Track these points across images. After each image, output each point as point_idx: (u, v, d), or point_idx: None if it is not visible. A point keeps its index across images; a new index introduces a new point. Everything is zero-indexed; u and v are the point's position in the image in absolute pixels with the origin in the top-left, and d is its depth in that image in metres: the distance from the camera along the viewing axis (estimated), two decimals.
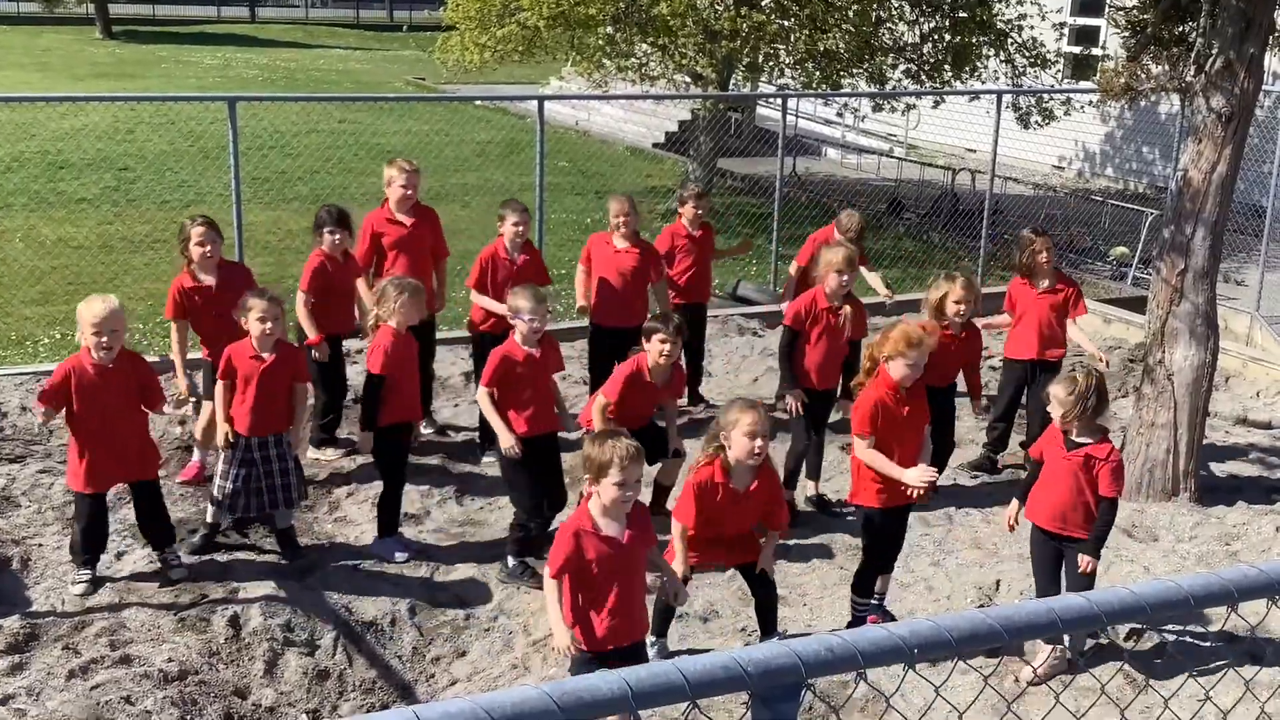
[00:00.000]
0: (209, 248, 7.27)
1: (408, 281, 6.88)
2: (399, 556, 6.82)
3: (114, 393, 6.14)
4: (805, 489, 7.68)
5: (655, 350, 6.72)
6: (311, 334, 7.80)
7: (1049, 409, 5.87)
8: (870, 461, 5.86)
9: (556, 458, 6.88)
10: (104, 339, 6.02)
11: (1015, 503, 6.10)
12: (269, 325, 6.52)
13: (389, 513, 6.93)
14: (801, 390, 7.30)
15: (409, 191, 8.16)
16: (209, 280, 7.33)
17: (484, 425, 8.20)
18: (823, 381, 7.41)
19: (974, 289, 7.48)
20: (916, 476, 5.70)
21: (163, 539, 6.56)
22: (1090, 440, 5.74)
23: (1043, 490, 5.88)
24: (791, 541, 6.99)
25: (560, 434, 6.88)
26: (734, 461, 5.48)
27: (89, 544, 6.35)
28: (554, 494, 6.81)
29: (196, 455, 7.75)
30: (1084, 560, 5.70)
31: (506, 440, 6.44)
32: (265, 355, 6.58)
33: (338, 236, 7.80)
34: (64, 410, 6.16)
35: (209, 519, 6.84)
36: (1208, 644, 5.93)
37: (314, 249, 7.90)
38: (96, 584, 6.35)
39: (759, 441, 5.39)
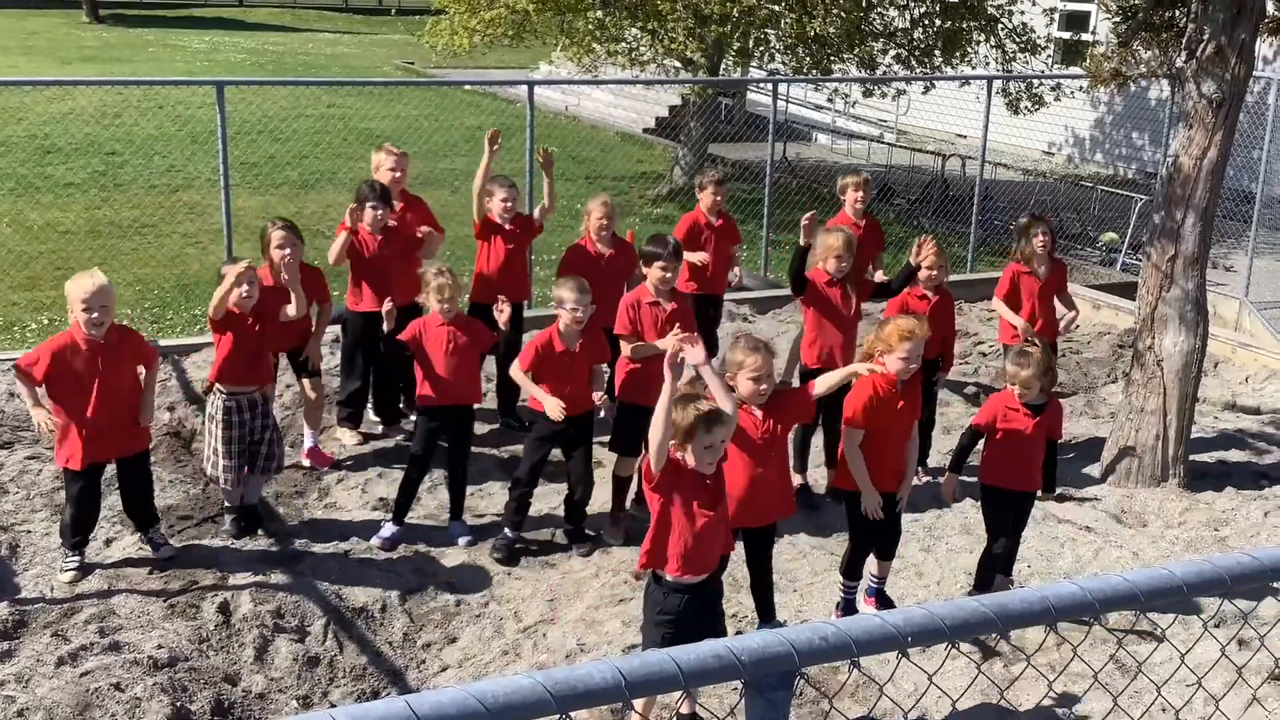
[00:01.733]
0: (289, 251, 7.27)
1: (443, 271, 6.82)
2: (375, 540, 6.85)
3: (107, 367, 6.11)
4: (824, 477, 7.74)
5: (655, 276, 6.92)
6: (348, 222, 7.75)
7: (1011, 386, 6.15)
8: (851, 461, 5.93)
9: (585, 444, 6.86)
10: (94, 315, 6.01)
11: (952, 476, 6.33)
12: (245, 288, 6.61)
13: (398, 495, 6.98)
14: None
15: (398, 174, 8.17)
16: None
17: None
18: (834, 366, 7.38)
19: (942, 254, 7.63)
20: (873, 508, 5.89)
21: (148, 520, 6.56)
22: (1045, 399, 6.19)
23: (1013, 456, 6.18)
24: (782, 531, 6.99)
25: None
26: (745, 396, 5.54)
27: (78, 525, 6.32)
28: (582, 480, 6.87)
29: (309, 437, 7.79)
30: (1047, 499, 6.51)
31: (555, 409, 6.44)
32: (250, 308, 6.70)
33: (380, 211, 7.78)
34: (52, 389, 6.11)
35: (228, 502, 6.85)
36: (1199, 630, 5.95)
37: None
38: (85, 570, 6.33)
39: (763, 385, 5.48)
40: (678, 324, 6.82)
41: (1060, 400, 6.39)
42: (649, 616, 5.02)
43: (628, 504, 7.23)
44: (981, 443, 6.33)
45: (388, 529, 6.88)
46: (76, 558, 6.34)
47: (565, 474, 6.95)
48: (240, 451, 6.68)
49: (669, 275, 6.97)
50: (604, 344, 6.88)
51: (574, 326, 6.58)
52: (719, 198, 8.86)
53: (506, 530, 6.83)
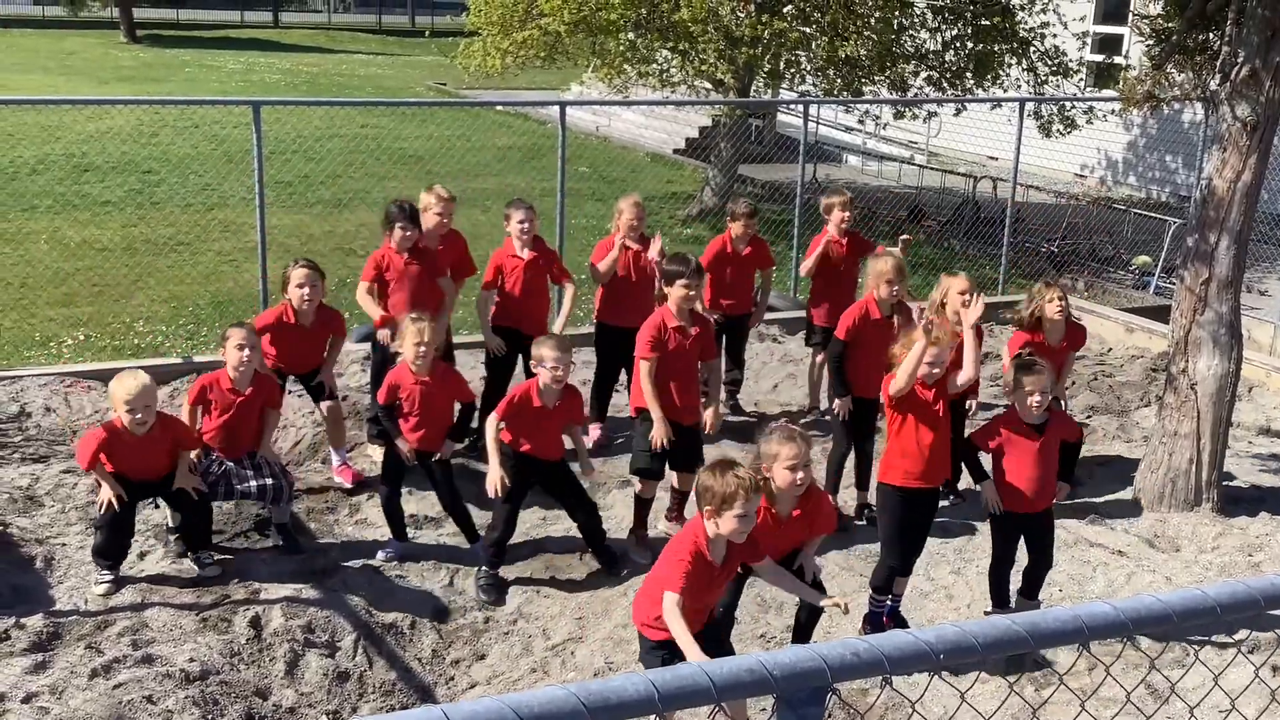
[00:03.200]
0: (307, 290, 7.44)
1: (420, 317, 6.82)
2: (379, 555, 6.91)
3: (149, 452, 6.34)
4: (853, 498, 7.71)
5: (678, 295, 6.87)
6: (375, 314, 7.82)
7: (1030, 400, 5.99)
8: (898, 378, 5.78)
9: (568, 481, 6.82)
10: (138, 415, 6.18)
11: (986, 484, 6.15)
12: (247, 353, 6.67)
13: (386, 517, 7.05)
14: (850, 398, 7.36)
15: (445, 219, 8.20)
16: (305, 321, 7.55)
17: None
18: (870, 390, 7.30)
19: (973, 284, 7.56)
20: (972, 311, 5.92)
21: (202, 540, 6.63)
22: (1046, 415, 6.08)
23: (1018, 479, 6.06)
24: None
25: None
26: (777, 491, 5.37)
27: (109, 552, 6.39)
28: (578, 510, 6.86)
29: (335, 456, 7.87)
30: (1064, 489, 6.35)
31: (494, 475, 6.43)
32: (245, 390, 6.73)
33: (409, 232, 7.83)
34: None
35: (170, 524, 6.87)
36: (1232, 653, 5.90)
37: (384, 242, 7.95)
38: (119, 584, 6.39)
39: (800, 474, 5.30)
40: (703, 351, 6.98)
41: (1063, 410, 6.31)
42: (645, 646, 5.04)
43: (663, 523, 7.27)
44: (989, 464, 6.24)
45: (390, 547, 6.96)
46: (109, 574, 6.42)
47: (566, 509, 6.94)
48: (214, 470, 6.72)
49: (692, 294, 6.94)
50: (579, 406, 6.82)
51: (553, 386, 6.48)
52: (750, 229, 8.93)
53: (484, 567, 6.71)
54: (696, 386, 7.13)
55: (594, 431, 8.58)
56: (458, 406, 7.03)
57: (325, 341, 7.72)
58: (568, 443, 6.85)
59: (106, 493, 6.25)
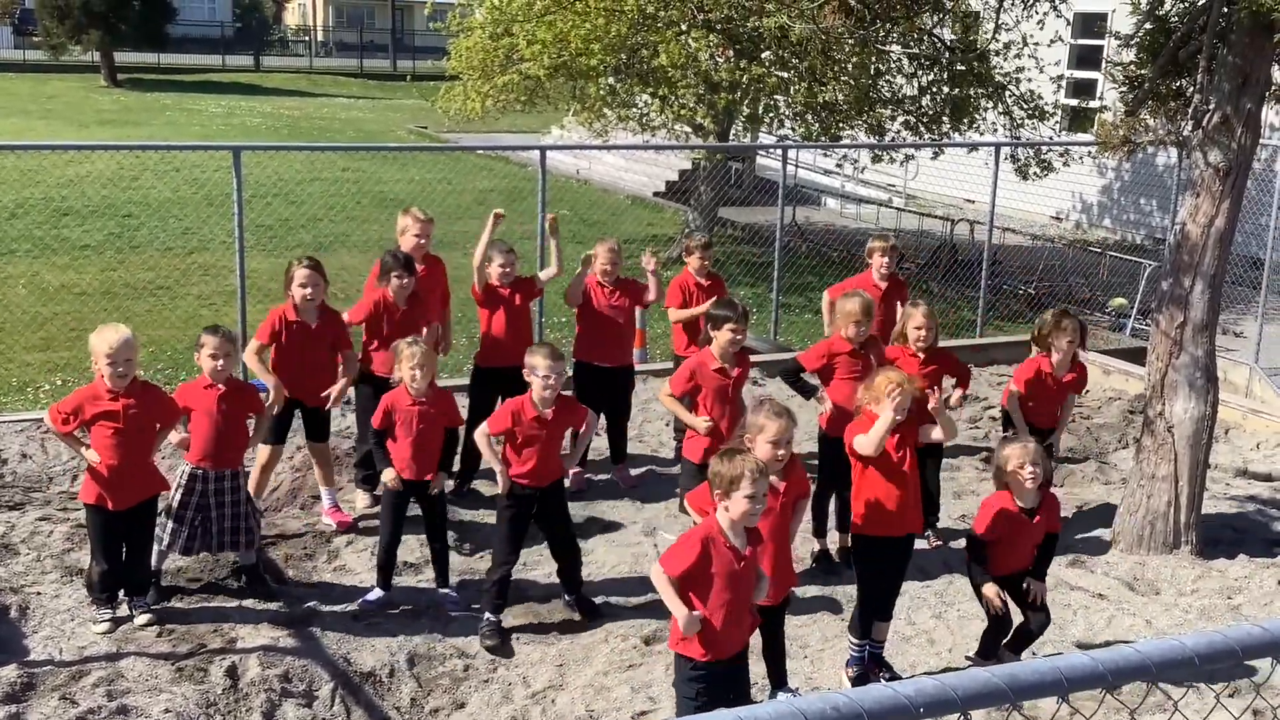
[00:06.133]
0: (310, 290, 7.47)
1: (415, 341, 6.87)
2: (358, 602, 6.84)
3: (127, 419, 6.29)
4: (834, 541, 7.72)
5: (724, 338, 7.13)
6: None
7: (1023, 473, 5.94)
8: (870, 436, 5.84)
9: (561, 512, 6.82)
10: (119, 368, 6.21)
11: (991, 585, 6.02)
12: (220, 363, 6.67)
13: (378, 562, 6.96)
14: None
15: (422, 240, 8.34)
16: (311, 321, 7.56)
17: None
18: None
19: (933, 316, 7.70)
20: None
21: (140, 586, 6.56)
22: (1039, 497, 6.04)
23: (1010, 554, 6.09)
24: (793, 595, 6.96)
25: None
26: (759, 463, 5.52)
27: (106, 580, 6.37)
28: (562, 548, 6.82)
29: (327, 497, 7.85)
30: (1039, 588, 6.12)
31: (504, 486, 6.51)
32: (220, 386, 6.72)
33: (405, 280, 7.87)
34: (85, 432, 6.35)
35: (154, 564, 6.75)
36: (1211, 700, 5.89)
37: (379, 289, 7.97)
38: (119, 622, 6.38)
39: (782, 450, 5.48)
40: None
41: (1054, 493, 6.27)
42: (682, 693, 5.02)
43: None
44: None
45: (374, 594, 6.88)
46: (109, 610, 6.40)
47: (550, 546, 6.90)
48: (191, 519, 6.64)
49: (739, 337, 7.16)
50: (579, 411, 6.81)
51: (546, 395, 6.47)
52: (706, 261, 9.04)
53: (488, 615, 6.63)
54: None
55: (573, 476, 8.56)
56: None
57: (329, 349, 7.66)
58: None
59: (90, 456, 6.26)
